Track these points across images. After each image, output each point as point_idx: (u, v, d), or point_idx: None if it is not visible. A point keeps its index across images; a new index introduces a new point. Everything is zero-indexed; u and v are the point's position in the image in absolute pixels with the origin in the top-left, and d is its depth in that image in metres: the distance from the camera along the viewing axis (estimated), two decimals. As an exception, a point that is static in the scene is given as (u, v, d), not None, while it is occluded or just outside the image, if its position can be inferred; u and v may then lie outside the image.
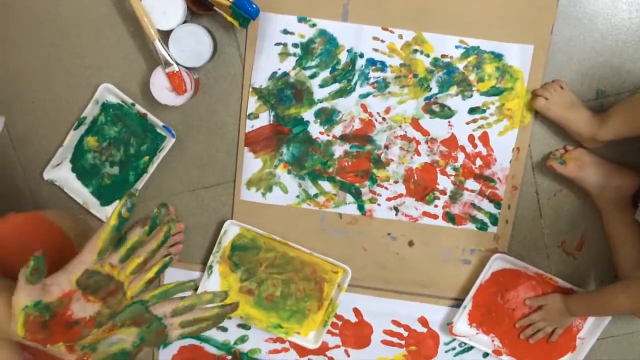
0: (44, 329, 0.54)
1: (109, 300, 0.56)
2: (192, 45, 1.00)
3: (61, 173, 1.11)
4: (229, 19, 0.98)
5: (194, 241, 1.14)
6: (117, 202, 1.12)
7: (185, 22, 1.01)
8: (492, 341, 1.12)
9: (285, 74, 1.06)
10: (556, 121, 1.01)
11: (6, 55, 1.09)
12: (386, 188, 1.09)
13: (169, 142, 1.07)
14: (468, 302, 1.09)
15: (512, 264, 1.08)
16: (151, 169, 1.09)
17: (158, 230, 0.58)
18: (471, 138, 1.06)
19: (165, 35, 1.00)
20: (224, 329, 1.16)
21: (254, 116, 1.08)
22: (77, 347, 0.56)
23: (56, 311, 0.54)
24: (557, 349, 1.11)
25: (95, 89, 1.07)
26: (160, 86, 1.02)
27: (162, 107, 1.05)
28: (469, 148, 1.06)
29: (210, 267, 1.12)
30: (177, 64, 1.00)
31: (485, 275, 1.08)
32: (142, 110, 1.06)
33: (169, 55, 1.00)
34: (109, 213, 1.11)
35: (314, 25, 1.04)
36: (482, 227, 1.09)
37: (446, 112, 1.06)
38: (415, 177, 1.08)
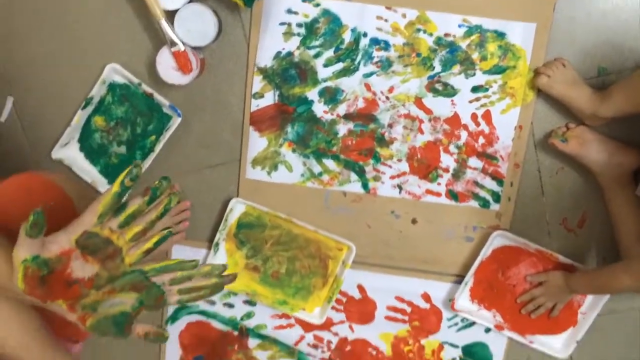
0: (43, 284, 0.56)
1: (107, 263, 0.58)
2: (197, 24, 1.01)
3: (69, 152, 1.13)
4: (234, -2, 0.99)
5: (200, 219, 1.15)
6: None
7: (190, 1, 1.02)
8: (494, 317, 1.14)
9: (290, 54, 1.07)
10: (558, 99, 1.02)
11: (14, 37, 1.10)
12: (390, 166, 1.10)
13: (175, 122, 1.09)
14: (469, 279, 1.11)
15: (512, 240, 1.10)
16: (158, 148, 1.10)
17: (158, 202, 0.59)
18: (474, 116, 1.07)
19: (170, 15, 1.01)
20: (231, 306, 1.18)
21: (259, 95, 1.09)
22: (77, 307, 0.58)
23: (54, 267, 0.56)
24: (559, 323, 1.13)
25: (102, 69, 1.08)
26: (166, 65, 1.03)
27: (168, 86, 1.06)
28: (472, 126, 1.08)
29: (217, 244, 1.14)
30: (183, 43, 1.02)
31: (486, 252, 1.10)
32: (149, 90, 1.08)
33: (174, 34, 1.01)
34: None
35: (317, 4, 1.05)
36: (485, 204, 1.10)
37: (449, 91, 1.07)
38: (419, 156, 1.10)
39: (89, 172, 1.13)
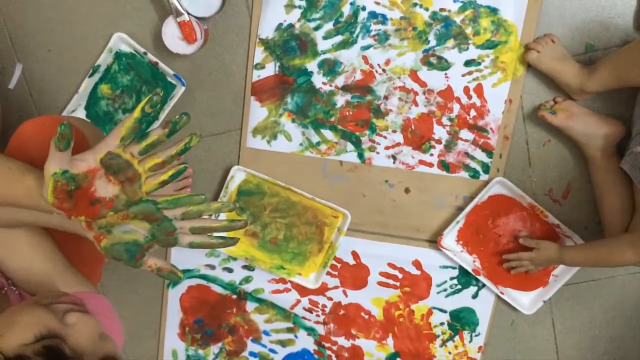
0: (70, 198, 0.60)
1: (126, 185, 0.61)
2: (202, -5, 1.05)
3: (76, 119, 1.16)
4: (238, -30, 1.02)
5: (201, 186, 1.20)
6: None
7: (195, -27, 1.05)
8: (474, 261, 1.19)
9: (291, 26, 1.11)
10: (547, 73, 1.07)
11: (23, 5, 1.13)
12: (385, 137, 1.15)
13: (179, 90, 1.12)
14: (461, 219, 1.16)
15: (510, 190, 1.14)
16: (162, 116, 1.14)
17: (179, 140, 0.62)
18: (466, 89, 1.11)
19: (176, -15, 1.05)
20: (230, 270, 1.23)
21: (260, 66, 1.13)
22: (94, 225, 0.61)
23: (81, 183, 0.60)
24: (530, 281, 1.19)
25: (109, 38, 1.11)
26: (171, 35, 1.06)
27: (172, 56, 1.10)
28: (464, 99, 1.12)
29: (218, 210, 1.18)
30: (188, 13, 1.05)
31: (483, 196, 1.14)
32: (154, 59, 1.11)
33: (180, 5, 1.04)
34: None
35: (319, -22, 1.09)
36: (475, 175, 1.15)
37: (443, 65, 1.11)
38: (413, 127, 1.14)
39: (95, 138, 1.17)
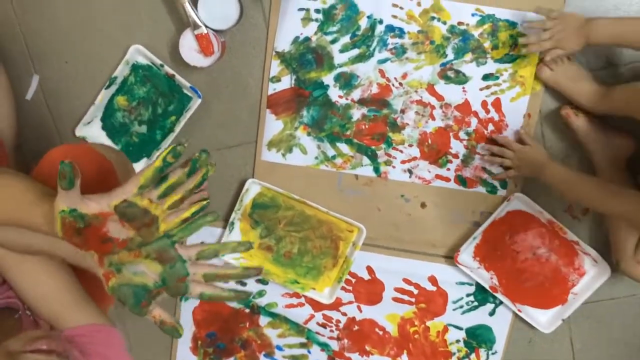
0: (79, 235, 0.58)
1: (142, 230, 0.59)
2: (220, 8, 1.05)
3: (92, 130, 1.16)
4: (256, -17, 1.02)
5: (216, 198, 1.18)
6: (144, 159, 1.17)
7: (213, -14, 1.05)
8: (491, 278, 1.16)
9: (307, 39, 1.10)
10: (559, 91, 1.05)
11: (41, 17, 1.14)
12: (401, 151, 1.13)
13: (195, 103, 1.12)
14: (478, 235, 1.13)
15: (528, 206, 1.12)
16: (177, 128, 1.14)
17: (197, 172, 0.61)
18: (484, 104, 1.10)
19: (194, -2, 1.05)
20: (243, 284, 1.21)
21: (276, 79, 1.12)
22: (105, 261, 0.60)
23: (91, 222, 0.58)
24: (549, 299, 1.16)
25: (127, 49, 1.11)
26: (188, 48, 1.06)
27: (189, 68, 1.09)
28: (482, 113, 1.10)
29: (232, 223, 1.17)
30: (206, 26, 1.05)
31: (501, 212, 1.12)
32: (170, 71, 1.11)
33: (198, 17, 1.04)
34: (137, 169, 1.16)
35: (335, -9, 1.08)
36: (492, 190, 1.13)
37: (461, 78, 1.09)
38: (429, 141, 1.12)
39: (110, 150, 1.17)
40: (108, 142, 1.17)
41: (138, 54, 1.12)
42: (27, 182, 0.64)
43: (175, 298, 1.24)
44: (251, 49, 1.12)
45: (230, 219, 1.17)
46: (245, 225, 1.18)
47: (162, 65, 1.11)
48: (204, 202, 0.61)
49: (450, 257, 1.16)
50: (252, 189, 1.16)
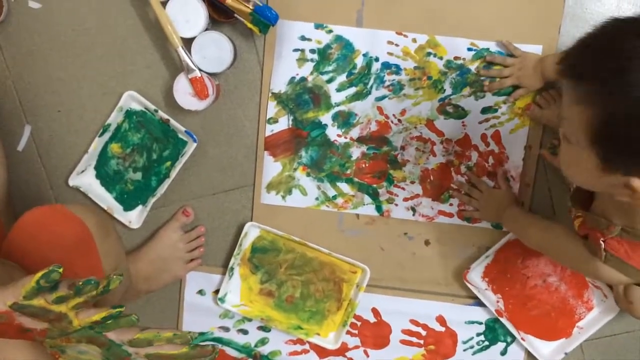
0: None
1: (54, 323, 0.56)
2: (213, 51, 1.00)
3: (86, 179, 1.10)
4: (249, 25, 0.98)
5: (215, 244, 1.12)
6: (140, 206, 1.10)
7: (206, 29, 1.01)
8: (497, 301, 1.09)
9: (304, 79, 1.06)
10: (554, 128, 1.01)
11: (32, 65, 1.09)
12: (403, 188, 1.07)
13: (191, 147, 1.06)
14: (491, 253, 1.07)
15: None
16: (173, 174, 1.07)
17: (100, 280, 0.57)
18: (484, 137, 1.05)
19: (187, 42, 1.00)
20: (245, 332, 1.13)
21: (274, 120, 1.07)
22: (46, 344, 0.56)
23: (1, 321, 0.55)
24: (553, 330, 1.09)
25: (120, 96, 1.06)
26: (183, 92, 1.01)
27: (183, 113, 1.04)
28: (482, 146, 1.05)
29: (232, 269, 1.10)
30: (200, 70, 1.00)
31: None
32: (165, 116, 1.05)
33: (191, 61, 0.99)
34: (132, 218, 1.10)
35: (330, 31, 1.04)
36: (497, 225, 1.07)
37: (460, 113, 1.05)
38: (431, 178, 1.07)
39: (104, 198, 1.10)
40: (102, 190, 1.10)
41: (132, 100, 1.07)
42: None
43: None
44: (246, 90, 1.08)
45: (230, 265, 1.10)
46: (245, 271, 1.11)
47: (156, 111, 1.06)
48: (116, 310, 0.57)
49: (458, 296, 1.10)
50: (251, 232, 1.10)
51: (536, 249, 0.97)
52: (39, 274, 0.54)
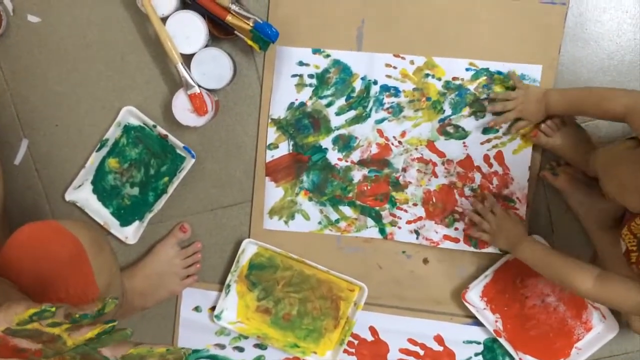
0: None
1: (47, 344, 0.55)
2: (213, 68, 0.98)
3: (82, 194, 1.07)
4: (250, 42, 0.96)
5: (212, 260, 1.09)
6: (136, 222, 1.08)
7: (206, 46, 0.99)
8: (496, 321, 1.07)
9: (303, 104, 1.04)
10: (560, 156, 0.99)
11: (31, 78, 1.06)
12: (406, 211, 1.05)
13: (189, 163, 1.04)
14: (490, 273, 1.04)
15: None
16: (171, 190, 1.05)
17: (97, 302, 0.56)
18: (486, 158, 1.03)
19: (187, 58, 0.98)
20: (241, 349, 1.11)
21: (274, 146, 1.05)
22: None
23: None
24: (551, 350, 1.07)
25: (118, 111, 1.04)
26: (181, 108, 0.99)
27: (182, 128, 1.02)
28: (485, 168, 1.03)
29: (228, 286, 1.08)
30: (199, 86, 0.98)
31: None
32: (163, 132, 1.03)
33: (191, 77, 0.97)
34: (128, 233, 1.08)
35: (328, 55, 1.02)
36: (506, 251, 1.04)
37: (461, 133, 1.03)
38: (434, 199, 1.04)
39: (101, 213, 1.07)
40: (99, 205, 1.08)
41: (130, 115, 1.04)
42: None
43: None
44: (245, 107, 1.05)
45: (227, 282, 1.07)
46: (242, 288, 1.09)
47: (154, 126, 1.03)
48: (107, 327, 0.56)
49: (456, 315, 1.07)
50: (249, 249, 1.07)
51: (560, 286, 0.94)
52: (32, 311, 0.53)
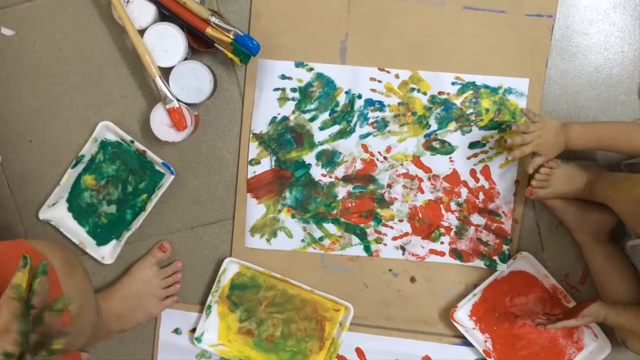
0: None
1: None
2: (192, 81, 0.94)
3: (57, 212, 1.02)
4: (230, 55, 0.92)
5: (192, 280, 1.04)
6: (113, 241, 1.02)
7: (186, 59, 0.94)
8: (485, 341, 1.02)
9: (285, 118, 0.99)
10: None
11: (4, 93, 1.01)
12: (391, 227, 1.01)
13: (168, 179, 0.99)
14: (479, 292, 1.00)
15: (534, 268, 1.00)
16: (149, 207, 1.00)
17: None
18: (473, 172, 0.99)
19: (166, 72, 0.94)
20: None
21: (256, 162, 1.00)
22: None
23: None
24: None
25: (95, 126, 0.99)
26: (160, 123, 0.94)
27: (161, 144, 0.97)
28: (472, 182, 0.99)
29: (209, 307, 1.02)
30: (178, 100, 0.93)
31: (504, 270, 1.00)
32: (141, 148, 0.98)
33: (169, 91, 0.93)
34: (105, 253, 1.02)
35: (311, 69, 0.99)
36: (491, 264, 1.00)
37: (447, 148, 0.99)
38: (420, 215, 1.00)
39: (77, 232, 1.02)
40: (74, 224, 1.02)
41: (107, 130, 1.00)
42: None
43: None
44: (226, 122, 1.01)
45: (207, 302, 1.02)
46: (223, 309, 1.03)
47: (132, 142, 0.98)
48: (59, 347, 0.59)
49: (445, 335, 1.03)
50: (230, 268, 1.02)
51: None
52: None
